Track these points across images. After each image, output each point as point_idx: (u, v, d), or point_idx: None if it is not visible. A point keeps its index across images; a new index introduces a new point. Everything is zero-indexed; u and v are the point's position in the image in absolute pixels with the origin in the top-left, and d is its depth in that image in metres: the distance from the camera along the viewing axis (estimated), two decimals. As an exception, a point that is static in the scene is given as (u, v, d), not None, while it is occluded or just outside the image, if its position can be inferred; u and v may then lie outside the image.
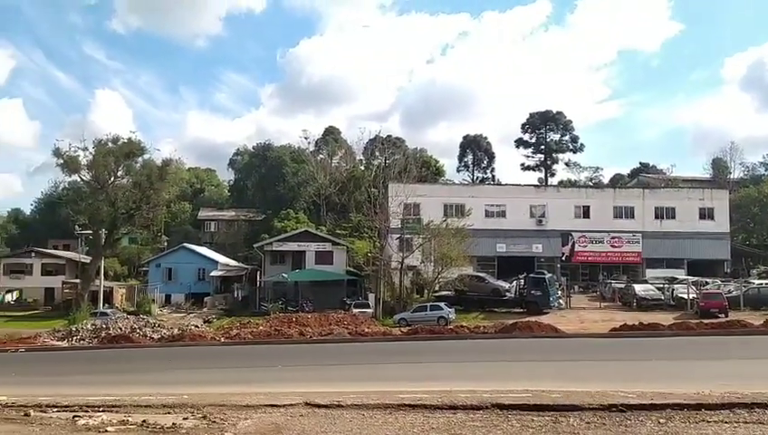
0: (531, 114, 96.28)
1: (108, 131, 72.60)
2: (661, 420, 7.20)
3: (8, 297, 63.47)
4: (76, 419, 8.37)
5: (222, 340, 29.20)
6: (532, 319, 32.86)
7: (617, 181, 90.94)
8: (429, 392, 9.51)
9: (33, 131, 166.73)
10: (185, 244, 67.89)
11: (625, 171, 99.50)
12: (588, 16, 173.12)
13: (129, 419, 8.24)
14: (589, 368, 15.42)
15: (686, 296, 40.71)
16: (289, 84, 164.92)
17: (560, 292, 45.23)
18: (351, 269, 56.03)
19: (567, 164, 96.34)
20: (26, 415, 8.84)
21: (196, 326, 38.08)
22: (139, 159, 55.86)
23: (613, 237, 57.68)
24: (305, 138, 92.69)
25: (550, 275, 45.14)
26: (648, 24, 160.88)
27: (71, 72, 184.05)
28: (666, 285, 44.98)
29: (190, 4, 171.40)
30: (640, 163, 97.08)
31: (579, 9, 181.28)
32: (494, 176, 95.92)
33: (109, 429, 7.64)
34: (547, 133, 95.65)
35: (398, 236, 49.21)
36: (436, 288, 46.97)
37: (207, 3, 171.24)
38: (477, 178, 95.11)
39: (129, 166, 55.23)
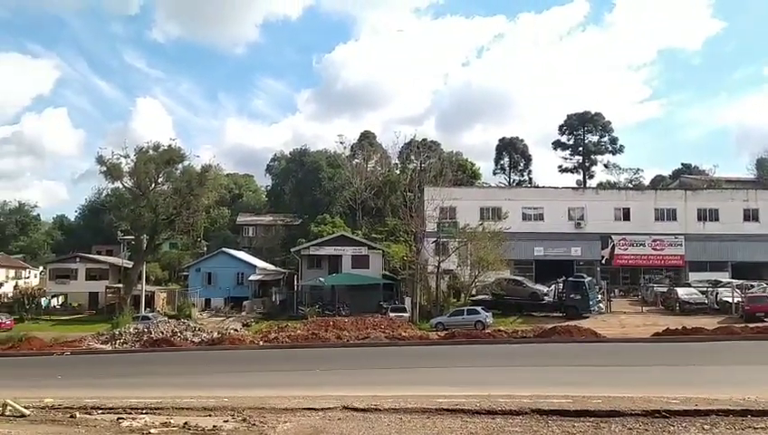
0: (568, 116, 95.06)
1: (149, 139, 74.02)
2: (706, 427, 7.03)
3: (54, 302, 65.24)
4: (120, 420, 8.56)
5: (260, 343, 29.48)
6: (572, 323, 32.33)
7: (658, 183, 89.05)
8: (467, 397, 9.45)
9: (78, 140, 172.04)
10: (224, 249, 68.93)
11: (666, 173, 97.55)
12: (626, 15, 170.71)
13: (171, 421, 8.38)
14: (631, 373, 15.13)
15: (730, 300, 39.66)
16: (325, 89, 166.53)
17: (600, 296, 44.52)
18: (387, 273, 56.06)
19: (606, 166, 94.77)
20: (72, 417, 9.06)
21: (236, 330, 38.52)
22: (179, 165, 56.91)
23: (655, 240, 56.51)
24: (341, 142, 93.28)
25: (589, 278, 44.45)
26: (689, 22, 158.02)
27: (113, 81, 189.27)
28: (709, 289, 43.90)
29: (228, 12, 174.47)
30: (682, 164, 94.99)
31: (617, 8, 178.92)
32: (530, 178, 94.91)
33: (152, 431, 7.78)
34: (585, 135, 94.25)
35: (434, 239, 49.05)
36: (473, 292, 46.67)
37: (245, 11, 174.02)
38: (514, 180, 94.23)
39: (170, 172, 56.28)
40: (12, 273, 75.90)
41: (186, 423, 8.08)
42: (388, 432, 7.26)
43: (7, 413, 9.42)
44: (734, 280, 47.57)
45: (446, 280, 47.80)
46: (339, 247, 56.48)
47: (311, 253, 56.82)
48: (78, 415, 9.17)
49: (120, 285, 58.88)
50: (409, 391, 11.12)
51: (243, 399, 10.34)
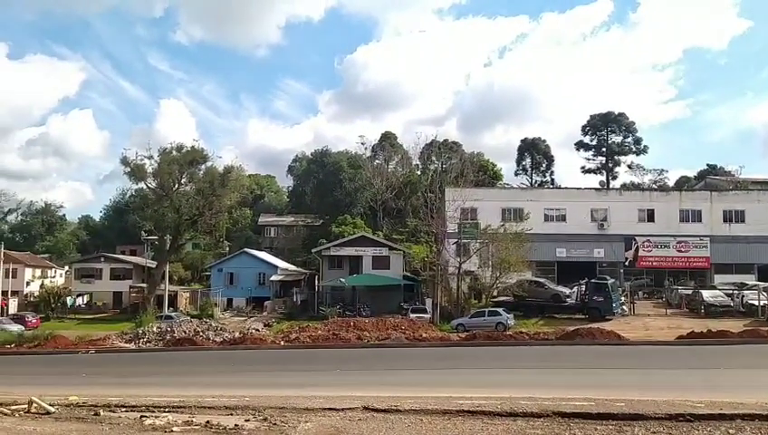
0: (591, 116, 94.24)
1: (172, 140, 74.98)
2: (731, 431, 6.91)
3: (79, 301, 66.20)
4: (143, 419, 8.64)
5: (282, 343, 29.65)
6: (594, 326, 32.05)
7: (683, 184, 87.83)
8: (488, 399, 9.40)
9: (103, 141, 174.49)
10: (246, 249, 69.43)
11: (691, 174, 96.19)
12: (651, 15, 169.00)
13: (194, 419, 8.45)
14: (654, 376, 14.95)
15: (756, 303, 39.01)
16: (346, 90, 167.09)
17: (623, 298, 44.03)
18: (408, 274, 56.01)
19: (630, 166, 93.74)
20: (96, 414, 9.18)
21: (257, 330, 38.79)
22: (202, 166, 57.30)
23: (679, 242, 55.73)
24: (362, 143, 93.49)
25: (612, 280, 43.98)
26: (715, 21, 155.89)
27: (137, 83, 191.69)
28: (735, 291, 43.16)
29: (251, 14, 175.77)
30: (707, 165, 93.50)
31: (642, 8, 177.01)
32: (553, 179, 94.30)
33: (174, 429, 7.85)
34: (608, 135, 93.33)
35: (455, 240, 48.85)
36: (495, 293, 46.41)
37: (268, 13, 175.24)
38: (536, 181, 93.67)
39: (193, 173, 56.73)
40: (38, 272, 77.17)
41: (208, 422, 8.14)
42: (408, 433, 7.25)
43: (33, 411, 9.57)
44: (760, 283, 46.65)
45: (467, 281, 47.59)
46: (359, 248, 56.56)
47: (331, 253, 56.97)
48: (102, 413, 9.29)
49: (144, 285, 59.54)
50: (430, 392, 11.10)
51: (264, 398, 10.39)
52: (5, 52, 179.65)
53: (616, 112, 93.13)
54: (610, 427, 7.23)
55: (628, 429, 7.13)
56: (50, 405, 9.71)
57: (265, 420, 8.27)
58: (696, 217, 56.56)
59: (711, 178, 79.57)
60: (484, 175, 74.51)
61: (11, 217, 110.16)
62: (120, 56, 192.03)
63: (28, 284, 72.06)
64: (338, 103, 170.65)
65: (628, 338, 27.96)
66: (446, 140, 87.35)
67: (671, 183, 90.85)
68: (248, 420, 8.26)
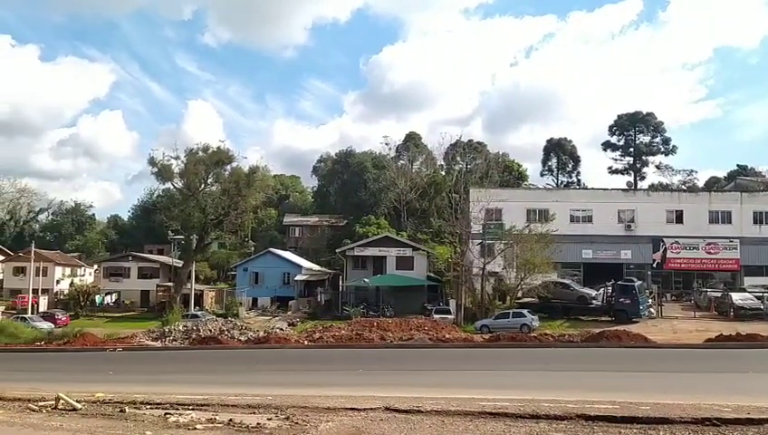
0: (619, 116, 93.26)
1: (199, 140, 75.74)
2: (759, 436, 6.77)
3: (108, 299, 67.24)
4: (167, 416, 8.73)
5: (305, 343, 29.77)
6: (621, 328, 31.63)
7: (712, 185, 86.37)
8: (511, 401, 9.32)
9: (132, 141, 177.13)
10: (271, 249, 69.91)
11: (721, 174, 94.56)
12: (681, 13, 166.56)
13: (217, 417, 8.51)
14: (681, 379, 14.72)
15: (787, 306, 38.29)
16: (372, 91, 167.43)
17: (650, 300, 43.45)
18: (432, 275, 55.90)
19: (658, 167, 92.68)
20: (122, 411, 9.29)
21: (281, 329, 38.98)
22: (228, 166, 57.86)
23: (709, 244, 54.82)
24: (386, 144, 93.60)
25: (639, 282, 43.39)
26: (746, 20, 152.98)
27: (164, 84, 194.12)
28: (765, 294, 42.35)
29: (278, 16, 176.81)
30: (737, 165, 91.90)
31: (671, 6, 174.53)
32: (579, 180, 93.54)
33: (198, 426, 7.91)
34: (636, 135, 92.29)
35: (480, 241, 48.65)
36: (519, 295, 46.10)
37: (294, 14, 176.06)
38: (562, 182, 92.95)
39: (219, 174, 57.29)
40: (68, 271, 78.53)
41: (231, 420, 8.20)
42: (429, 434, 7.22)
43: (60, 407, 9.73)
44: (792, 285, 45.80)
45: (492, 282, 47.36)
46: (383, 248, 56.59)
47: (355, 253, 57.09)
48: (127, 410, 9.40)
49: (171, 284, 60.26)
50: (452, 393, 11.04)
51: (287, 397, 10.43)
52: (38, 54, 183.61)
53: (644, 112, 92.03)
54: (635, 430, 7.12)
55: (653, 432, 7.01)
56: (76, 402, 9.85)
57: (287, 419, 8.30)
58: (726, 218, 55.59)
59: (741, 179, 78.12)
60: (509, 175, 74.23)
61: (42, 217, 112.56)
62: (147, 58, 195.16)
63: (58, 282, 73.37)
64: (363, 104, 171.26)
65: (656, 341, 27.56)
66: (470, 141, 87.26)
67: (700, 184, 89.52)
68: (270, 419, 8.29)
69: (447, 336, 31.04)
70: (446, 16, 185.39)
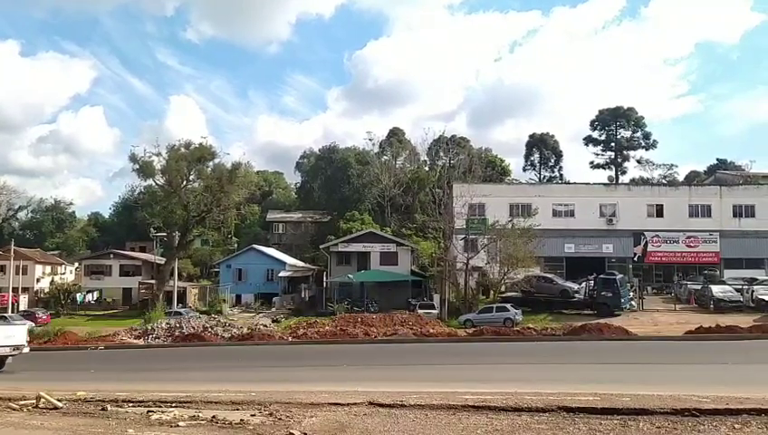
0: (600, 111, 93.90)
1: (182, 136, 74.79)
2: (736, 426, 6.87)
3: (89, 297, 66.61)
4: (150, 413, 8.70)
5: (289, 339, 29.76)
6: (603, 321, 32.00)
7: (692, 179, 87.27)
8: (494, 394, 9.40)
9: (113, 138, 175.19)
10: (254, 245, 69.61)
11: (701, 168, 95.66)
12: (663, 9, 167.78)
13: (200, 414, 8.50)
14: (661, 371, 14.91)
15: (766, 298, 38.82)
16: (355, 86, 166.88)
17: (632, 293, 43.86)
18: (416, 270, 55.98)
19: (639, 161, 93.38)
20: (103, 409, 9.24)
21: (265, 326, 38.88)
22: (210, 163, 57.47)
23: (689, 237, 55.46)
24: (370, 139, 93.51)
25: (621, 275, 43.79)
26: (727, 15, 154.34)
27: (146, 80, 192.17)
28: (745, 287, 42.93)
29: (263, 12, 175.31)
30: (717, 159, 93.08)
31: (653, 2, 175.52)
32: (561, 175, 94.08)
33: (180, 424, 7.90)
34: (617, 130, 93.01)
35: (463, 236, 48.80)
36: (503, 289, 46.37)
37: (279, 10, 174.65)
38: (544, 177, 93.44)
39: (201, 170, 56.86)
40: (48, 269, 77.66)
41: (214, 417, 8.19)
42: (413, 428, 7.26)
43: (41, 406, 9.67)
44: (770, 278, 46.48)
45: (475, 277, 47.53)
46: (367, 244, 56.53)
47: (339, 249, 56.99)
48: (109, 408, 9.36)
49: (153, 281, 59.83)
50: (436, 387, 11.11)
51: (270, 393, 10.43)
52: (18, 49, 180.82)
53: (625, 107, 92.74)
54: (615, 421, 7.22)
55: (633, 423, 7.11)
56: (58, 400, 9.80)
57: (271, 414, 8.30)
58: (706, 212, 56.24)
59: (721, 173, 79.15)
60: (492, 171, 74.34)
61: (21, 214, 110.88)
62: (128, 53, 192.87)
63: (38, 280, 72.57)
64: (347, 99, 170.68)
65: (637, 334, 27.87)
66: (453, 136, 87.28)
67: (681, 178, 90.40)
68: (254, 415, 8.30)
69: (431, 331, 31.17)
70: (430, 11, 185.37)
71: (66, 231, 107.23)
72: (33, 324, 43.30)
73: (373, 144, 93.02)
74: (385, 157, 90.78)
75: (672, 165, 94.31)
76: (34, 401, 9.88)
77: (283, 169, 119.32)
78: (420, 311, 42.56)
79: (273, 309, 55.04)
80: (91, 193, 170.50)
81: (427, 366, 18.20)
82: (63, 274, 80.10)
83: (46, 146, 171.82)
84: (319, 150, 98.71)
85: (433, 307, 44.69)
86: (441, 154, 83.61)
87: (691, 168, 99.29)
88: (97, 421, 8.31)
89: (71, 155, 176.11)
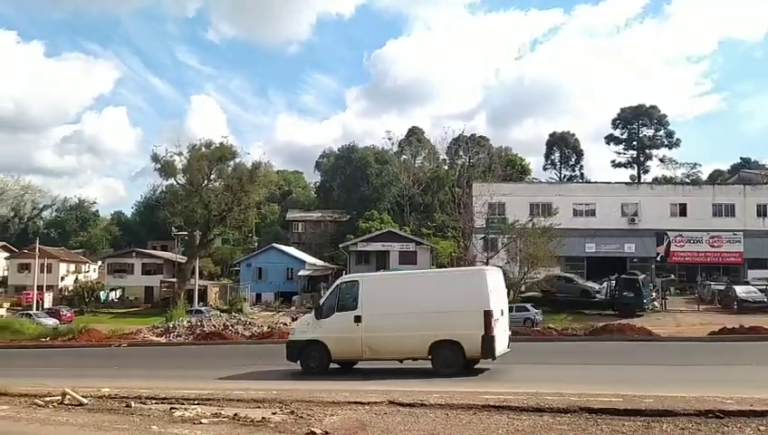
0: (622, 109, 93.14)
1: (203, 136, 75.50)
2: (761, 428, 6.76)
3: (112, 295, 67.43)
4: (173, 410, 8.79)
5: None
6: (625, 322, 31.64)
7: (716, 178, 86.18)
8: (515, 394, 9.35)
9: (135, 137, 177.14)
10: (274, 244, 70.02)
11: (725, 167, 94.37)
12: (686, 6, 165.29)
13: (222, 412, 8.56)
14: (685, 372, 14.72)
15: (792, 299, 38.27)
16: (374, 85, 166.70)
17: (654, 294, 43.42)
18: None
19: (661, 160, 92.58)
20: (127, 406, 9.35)
21: (285, 324, 38.93)
22: (231, 162, 57.86)
23: (712, 237, 54.75)
24: (389, 138, 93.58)
25: (643, 275, 43.36)
26: (751, 13, 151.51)
27: (167, 79, 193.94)
28: (769, 287, 42.37)
29: (283, 13, 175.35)
30: (741, 158, 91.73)
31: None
32: (582, 174, 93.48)
33: (203, 421, 7.97)
34: (640, 129, 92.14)
35: (483, 236, 48.65)
36: (522, 289, 46.11)
37: (300, 11, 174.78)
38: (565, 176, 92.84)
39: (222, 169, 57.24)
40: (72, 267, 78.81)
41: (236, 414, 8.25)
42: (433, 427, 7.25)
43: (66, 402, 9.80)
44: (796, 278, 45.75)
45: (495, 277, 47.31)
46: (386, 243, 56.63)
47: (359, 249, 57.15)
48: (133, 404, 9.46)
49: (175, 280, 60.39)
50: (456, 387, 11.08)
51: (291, 392, 10.47)
52: (42, 50, 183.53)
53: (647, 105, 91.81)
54: (638, 423, 7.14)
55: (657, 425, 7.03)
56: (83, 397, 9.93)
57: (292, 413, 8.34)
58: (730, 211, 55.52)
59: (745, 172, 78.00)
60: (512, 169, 74.18)
61: (46, 214, 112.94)
62: (149, 53, 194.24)
63: (63, 278, 73.69)
64: (366, 98, 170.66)
65: (659, 334, 27.54)
66: (473, 135, 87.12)
67: (704, 177, 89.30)
68: (275, 413, 8.34)
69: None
70: (450, 10, 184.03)
71: (89, 230, 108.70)
72: (58, 322, 44.09)
73: (392, 143, 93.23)
74: (404, 156, 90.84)
75: (695, 164, 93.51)
76: (60, 398, 10.02)
77: (303, 169, 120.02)
78: (440, 310, 42.38)
79: (293, 308, 55.28)
80: (114, 192, 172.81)
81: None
82: (87, 272, 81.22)
83: (70, 146, 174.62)
84: (338, 150, 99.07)
85: (452, 307, 44.50)
86: (460, 153, 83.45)
87: (714, 166, 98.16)
88: (121, 418, 8.41)
89: (94, 155, 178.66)
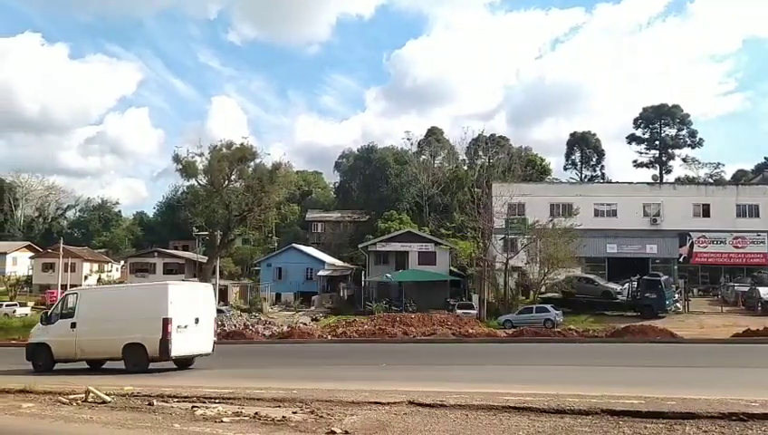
0: (644, 108, 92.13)
1: (223, 136, 76.10)
2: (787, 432, 6.67)
3: (134, 294, 67.99)
4: (194, 409, 8.87)
5: (329, 338, 29.96)
6: (646, 323, 31.34)
7: (740, 178, 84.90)
8: (535, 395, 9.29)
9: (157, 138, 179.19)
10: (294, 244, 70.28)
11: (749, 167, 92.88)
12: (710, 4, 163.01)
13: (243, 410, 8.62)
14: (708, 374, 14.53)
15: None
16: (394, 86, 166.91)
17: (677, 295, 42.92)
18: (455, 270, 55.77)
19: (684, 160, 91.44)
20: (150, 404, 9.45)
21: (305, 324, 39.25)
22: (251, 163, 58.10)
23: (736, 238, 53.99)
24: (408, 139, 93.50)
25: (665, 277, 42.88)
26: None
27: (188, 81, 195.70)
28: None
29: (304, 14, 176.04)
30: (765, 158, 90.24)
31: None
32: (603, 174, 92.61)
33: (224, 419, 8.04)
34: (662, 128, 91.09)
35: (503, 236, 48.44)
36: (543, 290, 45.87)
37: (320, 12, 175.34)
38: (585, 176, 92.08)
39: (242, 170, 57.46)
40: (95, 266, 79.84)
41: (256, 413, 8.30)
42: (453, 428, 7.24)
43: (90, 400, 9.93)
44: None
45: (515, 277, 47.16)
46: (405, 244, 56.58)
47: (378, 249, 57.15)
48: (155, 403, 9.56)
49: (196, 279, 60.84)
50: (476, 388, 11.04)
51: (311, 391, 10.51)
52: (67, 52, 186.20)
53: (670, 105, 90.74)
54: (660, 425, 7.06)
55: (679, 427, 6.95)
56: (106, 395, 10.05)
57: (312, 412, 8.37)
58: (754, 211, 54.71)
59: (769, 172, 76.74)
60: (532, 170, 73.67)
61: (70, 214, 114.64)
62: (171, 55, 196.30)
63: (86, 278, 74.64)
64: (385, 99, 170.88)
65: (682, 336, 27.25)
66: (492, 135, 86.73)
67: (728, 177, 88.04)
68: (295, 413, 8.38)
69: (470, 331, 31.02)
70: (470, 10, 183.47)
71: (112, 230, 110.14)
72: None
73: (411, 144, 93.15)
74: (423, 156, 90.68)
75: (719, 163, 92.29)
76: (83, 396, 10.15)
77: (322, 169, 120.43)
78: (459, 311, 42.43)
79: (313, 308, 55.50)
80: (136, 193, 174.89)
81: (466, 366, 18.10)
82: (110, 271, 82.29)
83: (93, 147, 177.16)
84: (357, 150, 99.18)
85: (472, 307, 44.49)
86: (480, 153, 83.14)
87: (738, 166, 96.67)
88: (144, 416, 8.50)
89: (117, 155, 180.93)
